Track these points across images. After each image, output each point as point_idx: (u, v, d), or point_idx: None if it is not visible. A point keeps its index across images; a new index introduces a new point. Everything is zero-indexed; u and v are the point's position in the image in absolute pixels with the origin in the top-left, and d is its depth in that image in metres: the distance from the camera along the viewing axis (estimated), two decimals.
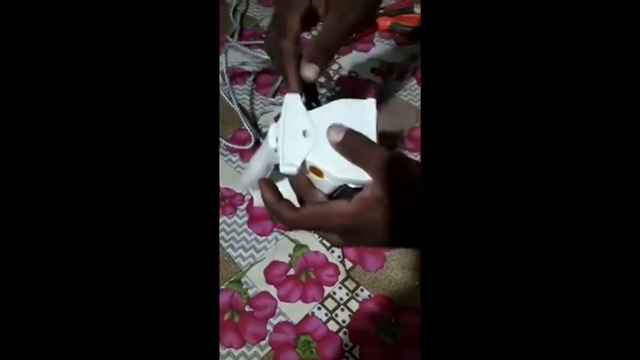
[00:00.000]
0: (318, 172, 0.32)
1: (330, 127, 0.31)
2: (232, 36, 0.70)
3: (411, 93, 0.61)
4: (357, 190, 0.31)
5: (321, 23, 0.37)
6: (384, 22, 0.69)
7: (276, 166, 0.33)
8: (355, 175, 0.31)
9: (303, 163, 0.32)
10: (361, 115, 0.33)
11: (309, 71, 0.34)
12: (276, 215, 0.33)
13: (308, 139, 0.32)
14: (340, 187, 0.33)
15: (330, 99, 0.52)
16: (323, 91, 0.62)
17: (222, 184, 0.52)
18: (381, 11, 0.70)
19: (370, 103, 0.33)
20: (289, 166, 0.31)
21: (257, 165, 0.38)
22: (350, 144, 0.31)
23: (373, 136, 0.32)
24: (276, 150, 0.32)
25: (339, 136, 0.31)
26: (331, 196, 0.34)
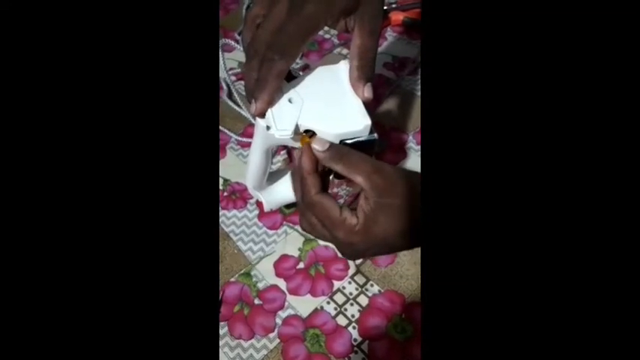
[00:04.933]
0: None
1: (314, 140, 0.32)
2: (240, 34, 0.70)
3: None
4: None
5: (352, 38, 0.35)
6: (396, 17, 0.68)
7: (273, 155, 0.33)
8: (348, 127, 0.32)
9: (296, 128, 0.33)
10: (337, 77, 0.35)
11: (368, 92, 0.34)
12: (301, 187, 0.33)
13: (295, 104, 0.33)
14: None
15: None
16: None
17: (233, 179, 0.52)
18: (393, 5, 0.69)
19: (342, 65, 0.36)
20: (283, 131, 0.32)
21: (256, 152, 0.38)
22: (336, 151, 0.32)
23: (352, 93, 0.34)
24: (268, 128, 0.33)
25: (324, 146, 0.31)
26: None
